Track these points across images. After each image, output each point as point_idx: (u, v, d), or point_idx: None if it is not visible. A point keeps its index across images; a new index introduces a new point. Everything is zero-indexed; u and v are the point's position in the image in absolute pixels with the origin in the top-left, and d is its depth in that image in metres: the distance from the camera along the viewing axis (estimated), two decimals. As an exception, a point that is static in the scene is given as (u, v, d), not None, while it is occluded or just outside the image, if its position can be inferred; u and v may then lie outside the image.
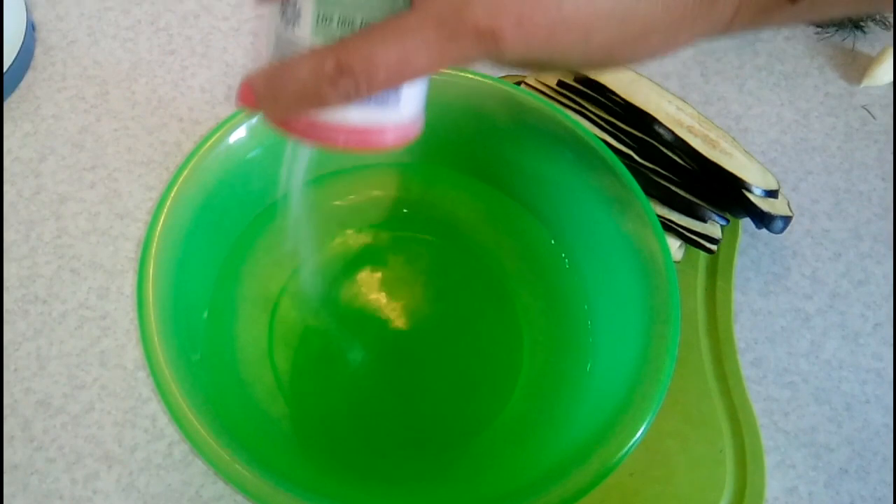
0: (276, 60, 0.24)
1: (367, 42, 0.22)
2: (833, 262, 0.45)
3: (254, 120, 0.36)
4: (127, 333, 0.41)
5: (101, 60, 0.50)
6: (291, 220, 0.34)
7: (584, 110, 0.42)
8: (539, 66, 0.23)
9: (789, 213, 0.42)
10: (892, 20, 0.54)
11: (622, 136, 0.42)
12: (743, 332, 0.43)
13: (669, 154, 0.41)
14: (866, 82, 0.52)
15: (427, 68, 0.22)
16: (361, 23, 0.23)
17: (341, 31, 0.23)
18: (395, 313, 0.40)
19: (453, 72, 0.38)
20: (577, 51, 0.22)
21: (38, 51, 0.49)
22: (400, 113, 0.26)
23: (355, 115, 0.24)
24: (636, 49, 0.23)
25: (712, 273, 0.43)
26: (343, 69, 0.22)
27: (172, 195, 0.34)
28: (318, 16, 0.23)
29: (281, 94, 0.23)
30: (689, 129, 0.41)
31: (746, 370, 0.41)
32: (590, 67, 0.24)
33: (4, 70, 0.46)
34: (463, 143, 0.40)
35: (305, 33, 0.23)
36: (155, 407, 0.39)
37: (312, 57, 0.23)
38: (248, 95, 0.25)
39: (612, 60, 0.23)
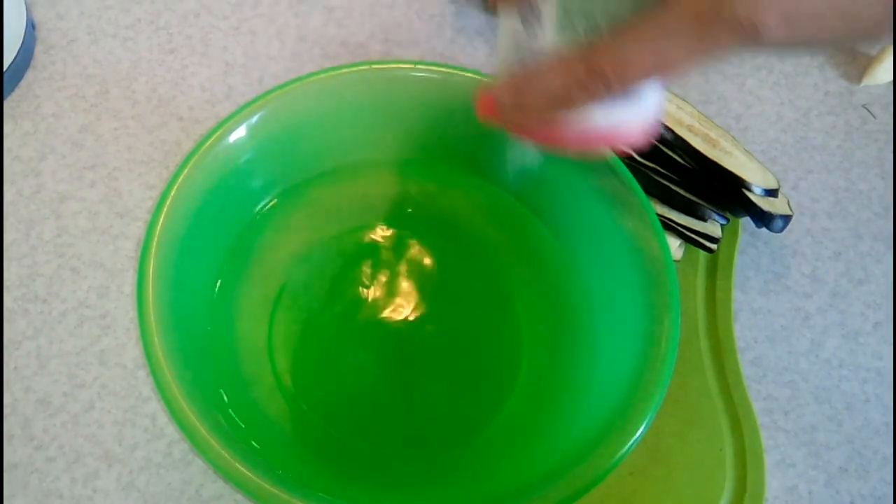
0: (516, 67, 0.24)
1: (618, 42, 0.22)
2: (833, 261, 0.45)
3: (254, 119, 0.36)
4: (127, 332, 0.41)
5: (101, 59, 0.50)
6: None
7: (584, 109, 0.42)
8: (796, 51, 0.23)
9: (789, 212, 0.42)
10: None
11: (622, 135, 0.42)
12: (743, 331, 0.43)
13: (669, 153, 0.41)
14: (866, 81, 0.52)
15: (680, 66, 0.21)
16: (606, 22, 0.22)
17: (586, 32, 0.23)
18: (395, 312, 0.40)
19: (453, 71, 0.38)
20: (841, 33, 0.21)
21: (38, 50, 0.49)
22: (642, 109, 0.25)
23: (598, 116, 0.24)
24: (886, 21, 0.21)
25: (712, 272, 0.43)
26: (594, 71, 0.22)
27: (172, 194, 0.34)
28: (561, 18, 0.23)
29: (528, 102, 0.23)
30: (689, 128, 0.41)
31: (746, 369, 0.41)
32: (850, 44, 0.24)
33: (4, 69, 0.46)
34: (463, 142, 0.40)
35: (548, 38, 0.23)
36: (155, 406, 0.39)
37: (561, 62, 0.22)
38: (489, 106, 0.24)
39: (877, 34, 0.22)
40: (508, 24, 0.25)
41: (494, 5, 0.25)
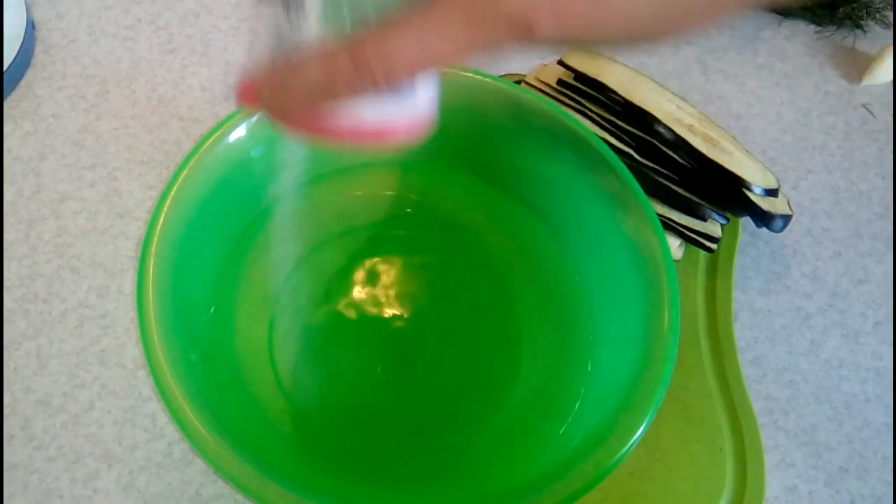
0: (279, 57, 0.23)
1: (385, 34, 0.21)
2: (833, 261, 0.45)
3: (254, 119, 0.36)
4: (127, 332, 0.41)
5: (101, 59, 0.50)
6: (279, 220, 0.33)
7: (584, 109, 0.42)
8: (571, 48, 0.22)
9: (789, 212, 0.42)
10: (892, 19, 0.54)
11: (622, 135, 0.42)
12: (743, 331, 0.43)
13: (669, 153, 0.41)
14: (866, 81, 0.52)
15: (449, 58, 0.21)
16: (374, 13, 0.21)
17: (352, 23, 0.22)
18: (395, 312, 0.40)
19: (454, 71, 0.38)
20: (616, 33, 0.21)
21: (38, 49, 0.49)
22: (413, 105, 0.24)
23: (366, 110, 0.23)
24: (680, 23, 0.21)
25: (712, 272, 0.43)
26: (358, 63, 0.21)
27: (172, 194, 0.34)
28: (326, 8, 0.22)
29: (288, 92, 0.22)
30: (690, 128, 0.41)
31: (746, 369, 0.41)
32: (628, 46, 0.23)
33: (4, 69, 0.46)
34: (463, 142, 0.40)
35: (312, 27, 0.22)
36: (155, 406, 0.39)
37: (324, 51, 0.22)
38: (249, 93, 0.23)
39: (655, 37, 0.22)
40: (271, 10, 0.24)
41: None
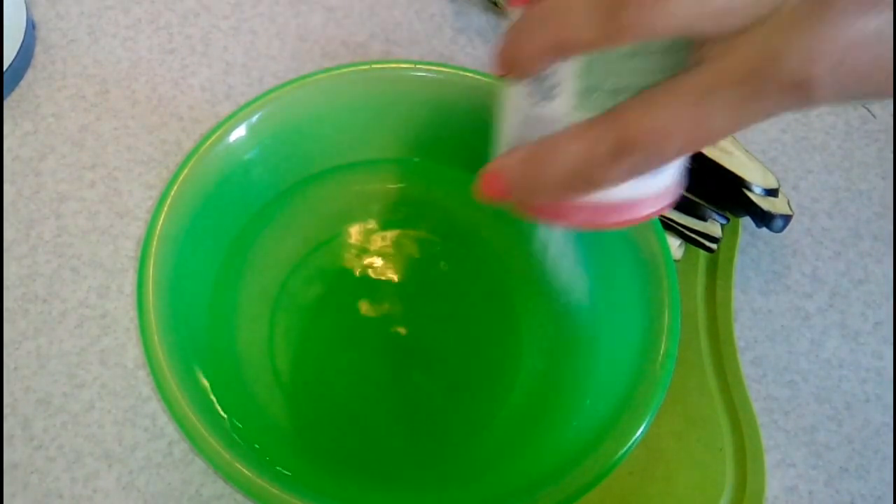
0: (523, 141, 0.21)
1: (649, 110, 0.19)
2: (833, 261, 0.45)
3: (254, 119, 0.36)
4: (127, 332, 0.41)
5: (101, 59, 0.50)
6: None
7: (584, 109, 0.42)
8: (841, 103, 0.20)
9: (789, 212, 0.42)
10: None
11: (622, 135, 0.42)
12: (743, 330, 0.43)
13: (670, 153, 0.41)
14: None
15: (724, 133, 0.19)
16: (632, 90, 0.19)
17: (610, 101, 0.20)
18: (394, 311, 0.40)
19: (454, 70, 0.38)
20: (885, 86, 0.18)
21: (38, 49, 0.49)
22: (667, 177, 0.22)
23: (623, 191, 0.21)
24: None
25: (712, 272, 0.43)
26: (626, 145, 0.19)
27: (172, 194, 0.34)
28: (583, 87, 0.20)
29: (542, 180, 0.20)
30: (690, 128, 0.41)
31: (746, 369, 0.41)
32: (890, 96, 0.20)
33: (4, 69, 0.46)
34: (464, 142, 0.40)
35: (565, 108, 0.20)
36: (155, 406, 0.39)
37: (583, 134, 0.19)
38: (494, 184, 0.21)
39: None
40: (514, 91, 0.22)
41: (505, 69, 0.21)
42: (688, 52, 0.19)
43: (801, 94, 0.18)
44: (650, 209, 0.22)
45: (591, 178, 0.20)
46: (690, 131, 0.18)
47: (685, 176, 0.24)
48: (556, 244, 0.28)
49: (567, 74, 0.20)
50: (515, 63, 0.21)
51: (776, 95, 0.18)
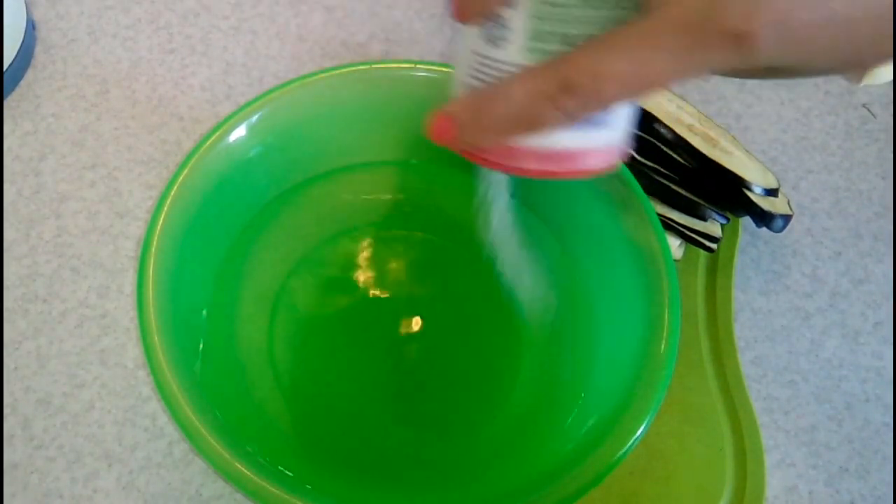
0: (475, 84, 0.22)
1: (594, 55, 0.19)
2: (833, 261, 0.45)
3: (254, 119, 0.36)
4: (127, 332, 0.41)
5: (101, 59, 0.50)
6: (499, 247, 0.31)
7: (584, 109, 0.42)
8: (781, 73, 0.21)
9: (789, 212, 0.42)
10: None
11: (622, 135, 0.42)
12: (743, 330, 0.43)
13: (669, 152, 0.41)
14: (866, 80, 0.52)
15: (664, 80, 0.19)
16: (581, 38, 0.20)
17: (559, 48, 0.20)
18: (395, 312, 0.40)
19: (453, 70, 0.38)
20: (833, 53, 0.19)
21: (38, 49, 0.49)
22: (613, 132, 0.23)
23: (565, 138, 0.22)
24: (887, 48, 0.19)
25: (712, 272, 0.43)
26: (568, 87, 0.19)
27: (172, 194, 0.34)
28: (532, 33, 0.21)
29: (489, 120, 0.21)
30: (690, 128, 0.41)
31: (746, 369, 0.41)
32: (836, 71, 0.21)
33: (4, 69, 0.46)
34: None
35: (515, 53, 0.21)
36: (155, 406, 0.39)
37: (529, 77, 0.20)
38: (444, 127, 0.22)
39: (863, 63, 0.20)
40: (468, 37, 0.22)
41: (460, 15, 0.22)
42: (637, 2, 0.20)
43: (742, 48, 0.18)
44: (596, 162, 0.23)
45: (534, 119, 0.20)
46: (630, 76, 0.19)
47: (630, 138, 0.24)
48: (501, 221, 0.28)
49: (519, 21, 0.21)
50: (468, 7, 0.22)
51: (718, 47, 0.18)
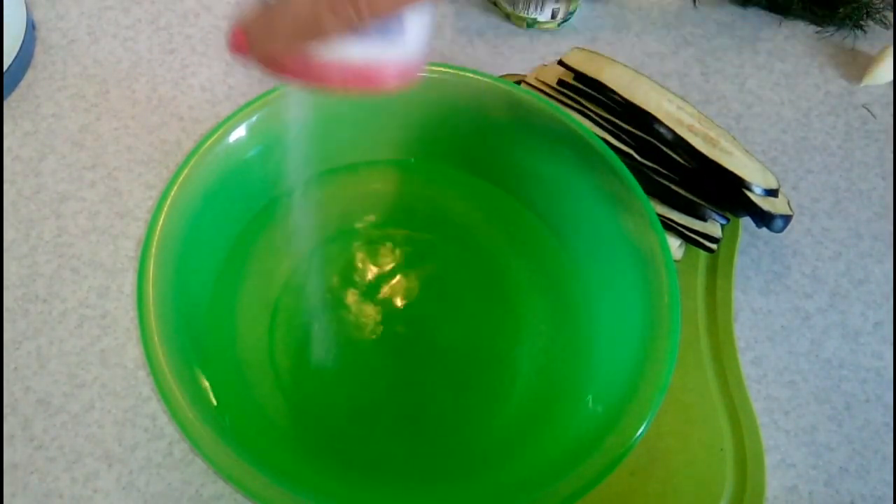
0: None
1: None
2: (833, 261, 0.45)
3: (254, 119, 0.36)
4: (127, 332, 0.41)
5: (101, 59, 0.50)
6: (294, 206, 0.33)
7: (584, 109, 0.42)
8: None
9: (789, 212, 0.42)
10: (892, 20, 0.54)
11: (622, 135, 0.42)
12: (743, 330, 0.43)
13: (670, 153, 0.41)
14: (867, 81, 0.52)
15: None
16: None
17: None
18: (395, 311, 0.40)
19: (454, 71, 0.38)
20: None
21: (38, 50, 0.49)
22: (403, 48, 0.24)
23: (356, 51, 0.23)
24: None
25: (712, 272, 0.43)
26: None
27: (172, 194, 0.34)
28: None
29: (277, 28, 0.22)
30: (690, 128, 0.41)
31: (746, 369, 0.41)
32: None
33: (5, 69, 0.46)
34: (463, 142, 0.40)
35: None
36: (155, 406, 0.39)
37: None
38: (240, 40, 0.23)
39: None
40: None
41: None
42: None
43: None
44: (390, 77, 0.24)
45: (316, 25, 0.21)
46: None
47: (424, 55, 0.25)
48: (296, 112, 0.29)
49: None
50: None
51: None
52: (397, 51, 0.24)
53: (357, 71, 0.24)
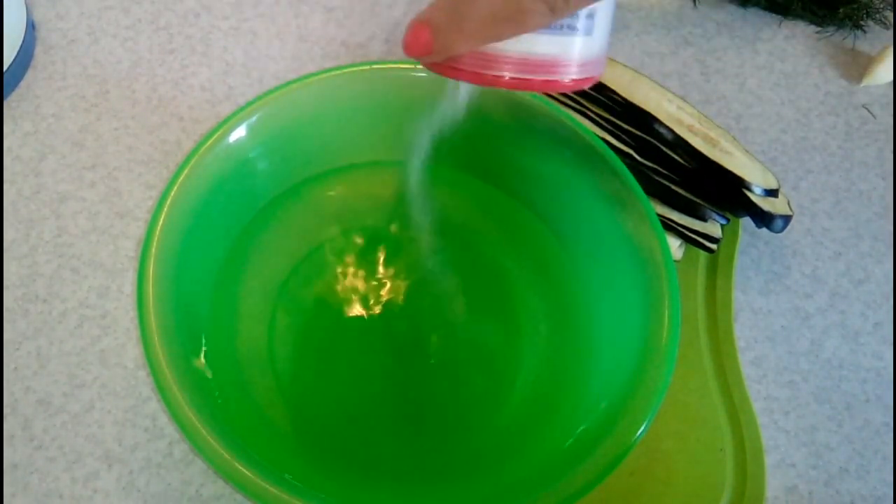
0: None
1: None
2: (833, 261, 0.45)
3: (254, 119, 0.36)
4: (127, 332, 0.41)
5: (101, 59, 0.50)
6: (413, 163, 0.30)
7: (584, 109, 0.42)
8: None
9: (789, 212, 0.42)
10: (892, 20, 0.54)
11: (622, 135, 0.42)
12: (743, 331, 0.43)
13: (670, 153, 0.41)
14: (866, 81, 0.52)
15: None
16: None
17: None
18: (395, 312, 0.40)
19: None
20: None
21: (38, 50, 0.49)
22: (592, 41, 0.22)
23: (543, 42, 0.21)
24: None
25: (712, 272, 0.43)
26: None
27: (172, 194, 0.34)
28: None
29: (469, 21, 0.20)
30: (690, 128, 0.41)
31: (746, 369, 0.41)
32: None
33: (4, 69, 0.46)
34: (463, 142, 0.40)
35: None
36: (155, 406, 0.39)
37: None
38: (419, 36, 0.21)
39: None
40: None
41: None
42: None
43: None
44: (571, 74, 0.22)
45: (518, 14, 0.20)
46: None
47: (606, 55, 0.24)
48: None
49: None
50: None
51: None
52: (583, 44, 0.22)
53: (539, 65, 0.22)
